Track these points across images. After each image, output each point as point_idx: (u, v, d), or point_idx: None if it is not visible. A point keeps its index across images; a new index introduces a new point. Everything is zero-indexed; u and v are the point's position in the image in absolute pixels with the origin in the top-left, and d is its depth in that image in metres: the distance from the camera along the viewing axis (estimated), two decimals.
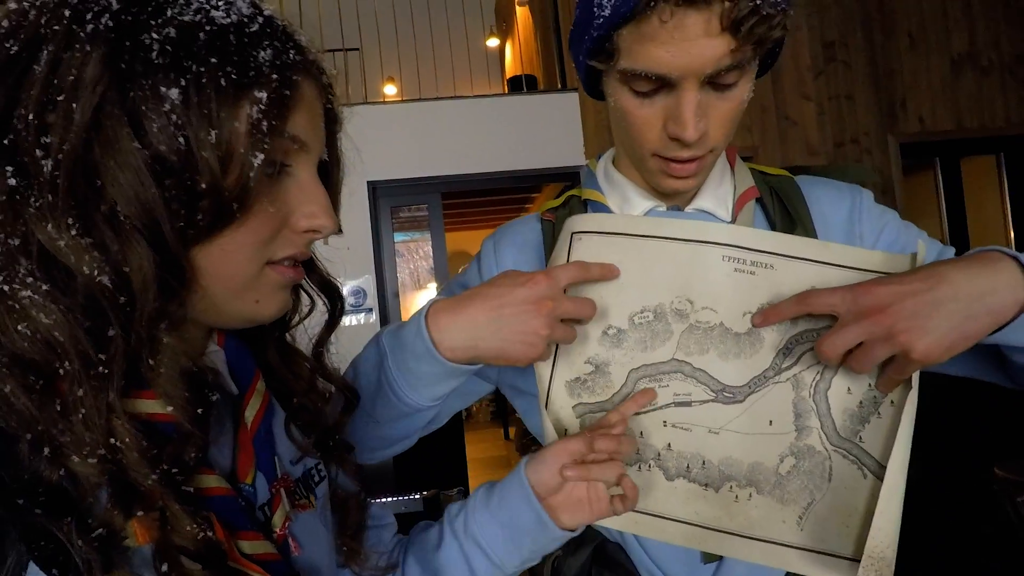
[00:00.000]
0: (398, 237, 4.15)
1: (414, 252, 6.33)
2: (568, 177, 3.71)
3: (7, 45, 0.35)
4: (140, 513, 0.34)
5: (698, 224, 0.60)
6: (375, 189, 3.59)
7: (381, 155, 3.45)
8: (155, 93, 0.34)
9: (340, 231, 0.49)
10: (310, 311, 0.52)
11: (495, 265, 0.72)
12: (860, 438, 0.57)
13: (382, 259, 3.64)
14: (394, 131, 3.53)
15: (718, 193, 0.68)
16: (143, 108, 0.34)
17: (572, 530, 0.58)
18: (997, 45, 3.70)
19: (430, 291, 6.52)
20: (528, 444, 5.23)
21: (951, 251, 0.65)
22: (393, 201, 3.72)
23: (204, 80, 0.35)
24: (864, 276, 0.56)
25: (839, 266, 0.57)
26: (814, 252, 0.58)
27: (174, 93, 0.35)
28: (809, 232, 0.65)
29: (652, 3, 0.51)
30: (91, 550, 0.32)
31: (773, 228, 0.66)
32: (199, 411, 0.38)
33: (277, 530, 0.44)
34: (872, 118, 3.62)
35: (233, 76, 0.36)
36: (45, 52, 0.34)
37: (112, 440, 0.34)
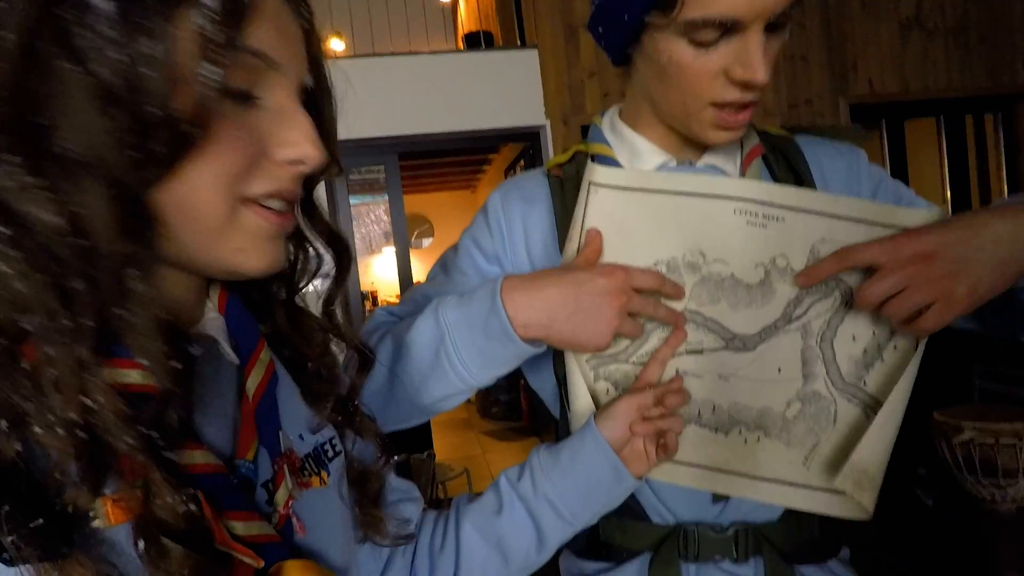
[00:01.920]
0: (351, 200, 4.03)
1: (365, 216, 6.17)
2: (528, 137, 3.66)
3: None
4: (111, 490, 0.31)
5: (711, 179, 0.61)
6: None
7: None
8: (86, 8, 0.31)
9: (339, 169, 0.46)
10: (318, 269, 0.49)
11: (503, 219, 0.71)
12: (864, 382, 0.60)
13: (338, 223, 3.52)
14: (347, 89, 3.37)
15: (727, 149, 0.68)
16: (75, 27, 0.31)
17: (639, 480, 0.60)
18: (942, 10, 3.81)
19: (385, 255, 6.40)
20: (488, 407, 5.28)
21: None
22: (349, 163, 3.59)
23: None
24: (872, 229, 0.58)
25: (847, 219, 0.58)
26: (823, 205, 0.59)
27: (107, 6, 0.31)
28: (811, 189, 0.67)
29: None
30: (25, 539, 0.28)
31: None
32: (178, 366, 0.34)
33: (279, 509, 0.41)
34: (825, 80, 3.70)
35: None
36: None
37: (85, 401, 0.31)
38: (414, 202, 6.78)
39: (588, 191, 0.62)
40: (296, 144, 0.39)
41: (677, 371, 0.62)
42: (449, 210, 7.12)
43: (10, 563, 0.28)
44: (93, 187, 0.32)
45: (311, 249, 0.48)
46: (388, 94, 3.39)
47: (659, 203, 0.61)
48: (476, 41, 4.18)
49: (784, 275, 0.60)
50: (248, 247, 0.39)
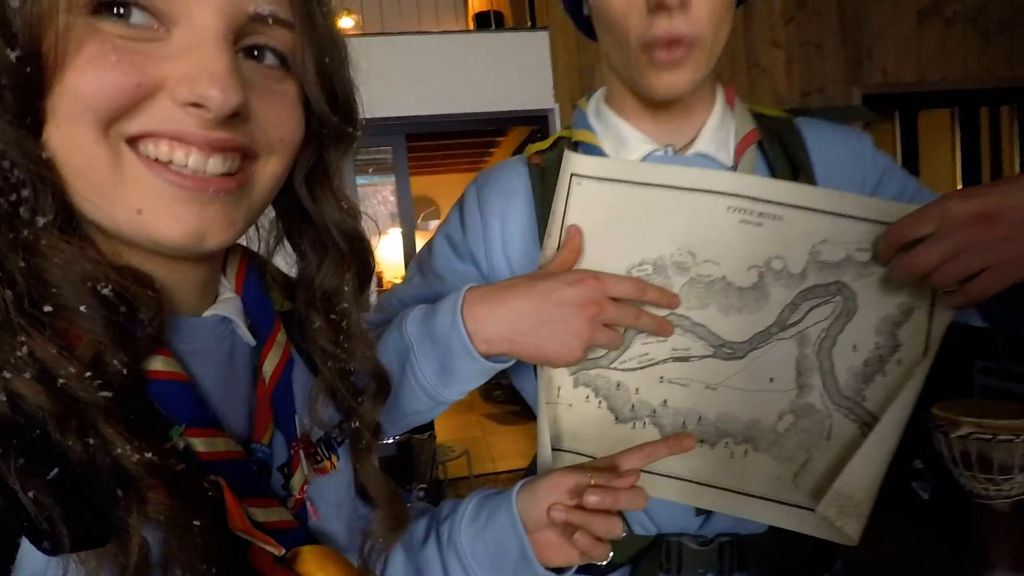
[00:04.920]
0: (358, 181, 4.01)
1: (372, 197, 6.15)
2: (536, 121, 3.63)
3: None
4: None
5: (704, 173, 0.58)
6: None
7: None
8: None
9: (351, 137, 0.41)
10: (350, 267, 0.45)
11: (479, 213, 0.68)
12: (863, 397, 0.57)
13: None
14: (354, 67, 3.34)
15: (719, 136, 0.65)
16: None
17: (558, 570, 0.53)
18: None
19: (392, 236, 6.40)
20: (491, 390, 5.30)
21: None
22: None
23: None
24: (882, 229, 0.54)
25: (856, 218, 0.55)
26: (827, 203, 0.55)
27: None
28: (810, 179, 0.64)
29: None
30: (45, 498, 0.27)
31: (772, 174, 0.65)
32: (112, 320, 0.32)
33: (295, 494, 0.41)
34: (839, 68, 3.63)
35: None
36: None
37: (28, 351, 0.29)
38: (421, 184, 6.74)
39: (569, 183, 0.59)
40: (195, 82, 0.32)
41: (661, 379, 0.60)
42: (456, 192, 6.97)
43: (51, 552, 0.27)
44: None
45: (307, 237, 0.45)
46: (396, 73, 3.35)
47: (646, 197, 0.57)
48: (486, 21, 4.13)
49: (780, 278, 0.57)
50: (148, 209, 0.33)
